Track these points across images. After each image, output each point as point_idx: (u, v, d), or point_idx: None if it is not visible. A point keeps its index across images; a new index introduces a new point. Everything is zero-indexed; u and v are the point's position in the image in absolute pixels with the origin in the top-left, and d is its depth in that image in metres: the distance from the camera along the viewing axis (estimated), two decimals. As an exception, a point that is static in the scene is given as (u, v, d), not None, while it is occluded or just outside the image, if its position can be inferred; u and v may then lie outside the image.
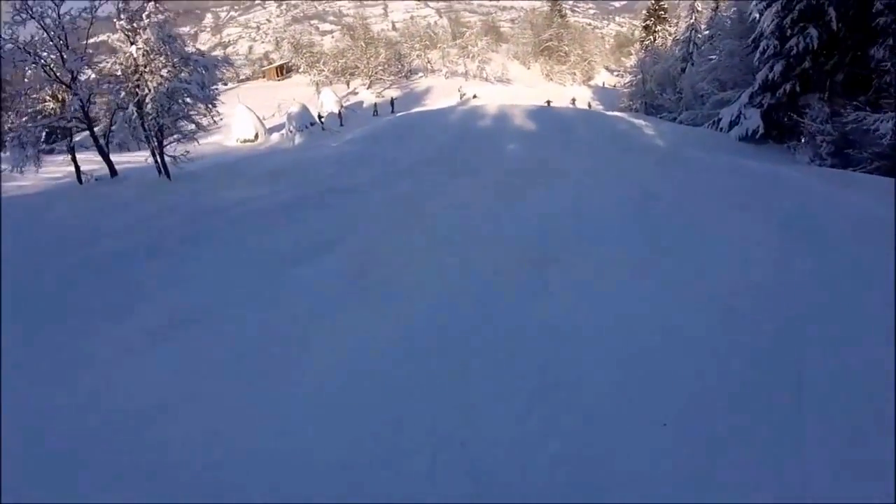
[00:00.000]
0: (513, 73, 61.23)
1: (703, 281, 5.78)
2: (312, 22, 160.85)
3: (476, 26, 72.68)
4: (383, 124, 28.27)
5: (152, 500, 3.17)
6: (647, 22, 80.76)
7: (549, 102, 58.63)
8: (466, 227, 8.68)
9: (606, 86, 75.76)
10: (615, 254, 6.81)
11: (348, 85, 52.76)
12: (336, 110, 38.64)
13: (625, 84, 49.14)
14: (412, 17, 73.58)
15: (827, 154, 20.81)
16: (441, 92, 48.13)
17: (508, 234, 8.09)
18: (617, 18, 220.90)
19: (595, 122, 25.33)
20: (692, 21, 42.62)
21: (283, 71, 62.68)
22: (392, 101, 42.12)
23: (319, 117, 33.70)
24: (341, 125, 34.83)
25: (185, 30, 55.64)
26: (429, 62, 58.12)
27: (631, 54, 64.62)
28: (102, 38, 16.79)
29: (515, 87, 54.23)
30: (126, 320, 5.66)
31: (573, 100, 59.34)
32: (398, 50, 58.61)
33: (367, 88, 50.11)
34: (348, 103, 44.55)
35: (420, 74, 57.15)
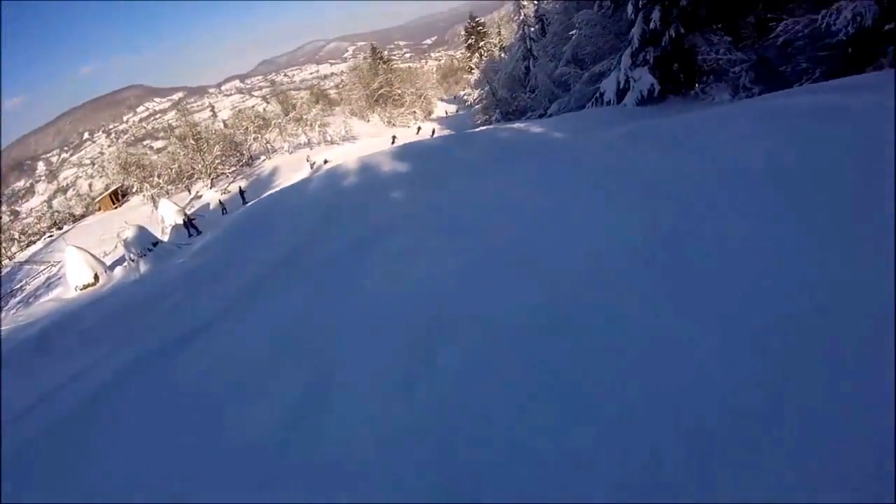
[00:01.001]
0: (355, 129, 57.53)
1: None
2: (145, 143, 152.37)
3: (304, 97, 68.34)
4: (234, 221, 22.99)
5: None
6: (469, 41, 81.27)
7: (394, 138, 55.56)
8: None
9: (449, 114, 74.31)
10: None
11: (189, 190, 46.44)
12: (180, 220, 32.78)
13: (475, 100, 46.23)
14: (240, 111, 68.34)
15: (751, 83, 18.07)
16: (290, 168, 43.17)
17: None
18: (433, 55, 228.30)
19: (472, 140, 21.38)
20: (521, 17, 40.70)
21: (119, 196, 54.71)
22: (241, 192, 36.58)
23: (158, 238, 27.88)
24: (189, 235, 29.86)
25: (19, 185, 48.14)
26: (267, 143, 52.67)
27: (471, 70, 63.50)
28: None
29: (362, 141, 50.30)
30: None
31: (419, 129, 56.64)
32: (232, 139, 53.04)
33: (211, 188, 44.00)
34: (194, 209, 38.61)
35: (262, 158, 51.67)
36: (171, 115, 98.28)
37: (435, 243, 7.10)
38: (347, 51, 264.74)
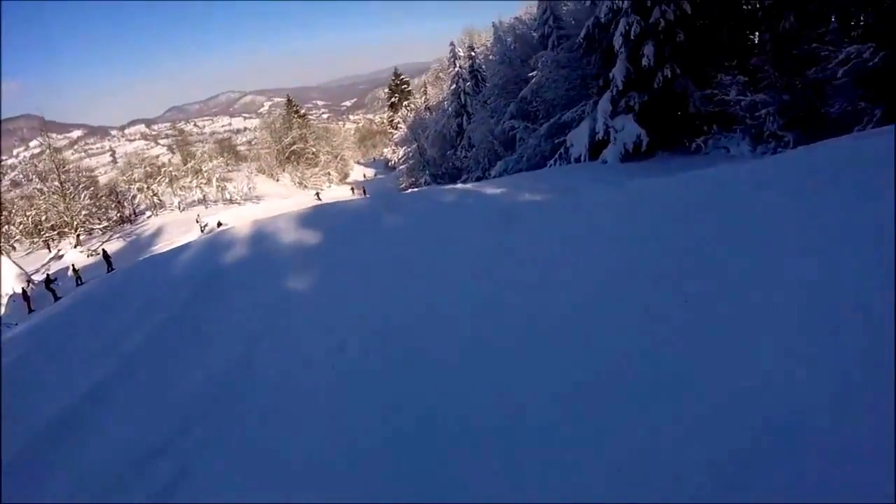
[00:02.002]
0: (261, 188, 51.13)
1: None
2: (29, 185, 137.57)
3: (205, 148, 60.81)
4: (72, 302, 15.97)
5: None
6: (393, 99, 76.57)
7: (318, 194, 49.49)
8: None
9: (368, 177, 69.15)
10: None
11: (49, 248, 37.61)
12: (19, 289, 25.26)
13: (399, 160, 41.03)
14: (141, 158, 59.94)
15: (780, 129, 13.62)
16: (178, 228, 35.88)
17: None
18: (351, 117, 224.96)
19: (405, 204, 15.84)
20: (455, 70, 36.33)
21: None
22: (105, 256, 29.02)
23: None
24: (56, 298, 21.90)
25: None
26: (155, 196, 44.49)
27: (395, 126, 58.56)
28: None
29: (268, 202, 43.93)
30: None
31: (317, 194, 51.56)
32: (113, 187, 44.85)
33: (75, 247, 35.42)
34: (51, 272, 30.70)
35: (148, 214, 43.52)
36: (69, 154, 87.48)
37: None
38: (264, 105, 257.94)
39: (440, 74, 57.26)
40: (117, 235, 38.50)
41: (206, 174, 45.64)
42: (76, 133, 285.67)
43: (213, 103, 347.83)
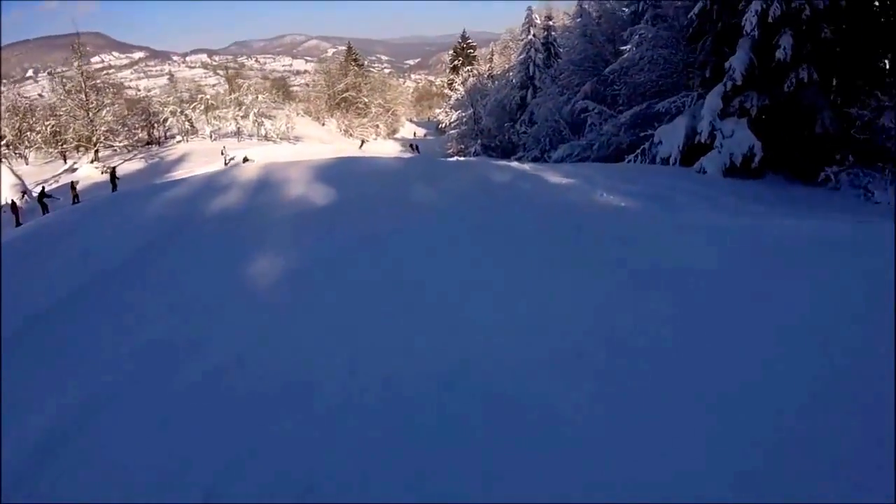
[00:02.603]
0: (303, 130, 48.37)
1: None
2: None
3: (253, 81, 57.81)
4: (24, 233, 13.46)
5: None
6: (456, 62, 72.83)
7: (362, 144, 49.39)
8: None
9: (417, 135, 65.79)
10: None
11: (65, 159, 35.50)
12: (10, 200, 23.12)
13: (451, 123, 37.57)
14: (197, 85, 57.39)
15: None
16: (202, 158, 33.30)
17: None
18: (412, 76, 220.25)
19: (445, 173, 12.83)
20: (528, 38, 32.71)
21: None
22: (112, 175, 26.56)
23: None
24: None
25: None
26: (188, 121, 42.22)
27: (452, 88, 54.79)
28: None
29: (306, 144, 41.17)
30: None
31: (362, 143, 50.34)
32: (146, 107, 42.46)
33: (91, 162, 33.16)
34: (58, 185, 28.52)
35: (178, 139, 41.33)
36: (128, 73, 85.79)
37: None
38: (327, 52, 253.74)
39: (510, 44, 53.38)
40: (141, 156, 36.13)
41: (245, 108, 42.72)
42: (138, 54, 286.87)
43: (277, 43, 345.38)
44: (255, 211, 9.81)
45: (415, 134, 65.76)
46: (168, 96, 46.30)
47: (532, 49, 32.37)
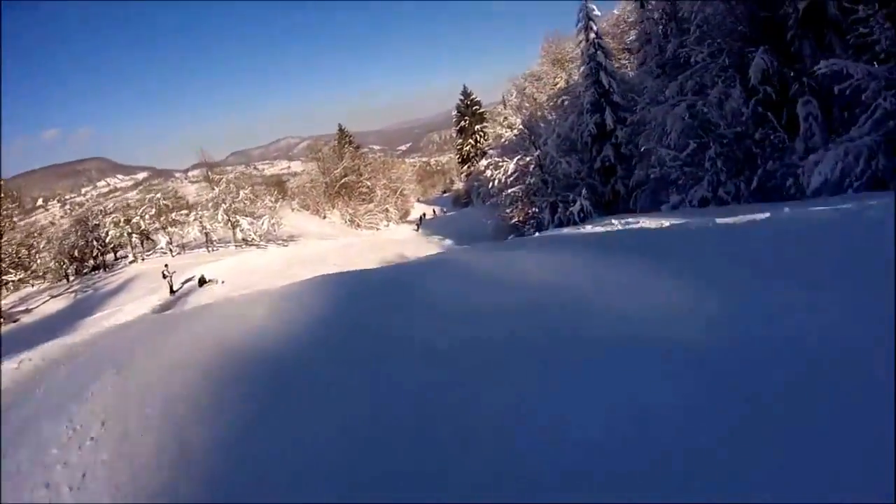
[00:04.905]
0: (302, 226, 38.38)
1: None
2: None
3: (232, 175, 47.44)
4: None
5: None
6: (462, 123, 61.13)
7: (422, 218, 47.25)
8: None
9: (436, 214, 55.53)
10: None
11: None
12: None
13: (502, 181, 25.61)
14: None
15: None
16: (149, 282, 22.59)
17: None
18: (407, 160, 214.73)
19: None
20: (589, 37, 22.29)
21: None
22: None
23: None
24: None
25: None
26: (138, 234, 30.48)
27: (468, 156, 44.00)
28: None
29: (300, 245, 30.57)
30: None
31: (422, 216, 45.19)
32: (84, 221, 31.75)
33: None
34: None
35: (130, 258, 29.95)
36: (133, 194, 76.44)
37: None
38: (322, 149, 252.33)
39: (541, 68, 43.43)
40: (73, 288, 25.43)
41: (212, 205, 31.50)
42: (141, 175, 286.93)
43: (273, 148, 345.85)
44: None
45: (423, 215, 55.60)
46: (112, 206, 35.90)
47: (598, 51, 21.97)
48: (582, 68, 23.27)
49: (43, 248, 28.54)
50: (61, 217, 36.48)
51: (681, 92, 17.16)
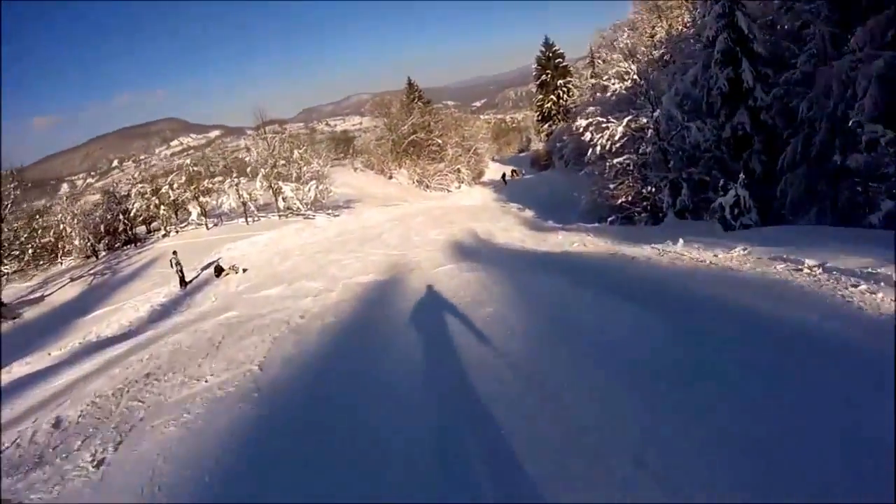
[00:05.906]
0: (364, 187, 34.67)
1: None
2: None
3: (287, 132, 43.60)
4: None
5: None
6: (543, 76, 54.14)
7: (504, 176, 45.71)
8: None
9: (517, 177, 50.14)
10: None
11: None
12: None
13: (606, 146, 19.90)
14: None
15: None
16: (163, 267, 18.96)
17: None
18: (482, 116, 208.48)
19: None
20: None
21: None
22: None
23: None
24: None
25: (39, 203, 29.25)
26: (168, 206, 27.38)
27: (548, 113, 38.40)
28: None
29: (354, 214, 26.45)
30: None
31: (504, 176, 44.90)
32: (113, 193, 29.43)
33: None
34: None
35: (163, 232, 27.28)
36: (208, 151, 74.90)
37: None
38: (389, 105, 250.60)
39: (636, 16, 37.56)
40: (95, 268, 22.12)
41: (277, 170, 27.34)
42: (214, 133, 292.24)
43: (345, 104, 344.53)
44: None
45: (505, 175, 50.18)
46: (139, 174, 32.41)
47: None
48: (711, 5, 17.54)
49: (75, 222, 25.66)
50: (137, 176, 32.83)
51: (871, 41, 11.67)
